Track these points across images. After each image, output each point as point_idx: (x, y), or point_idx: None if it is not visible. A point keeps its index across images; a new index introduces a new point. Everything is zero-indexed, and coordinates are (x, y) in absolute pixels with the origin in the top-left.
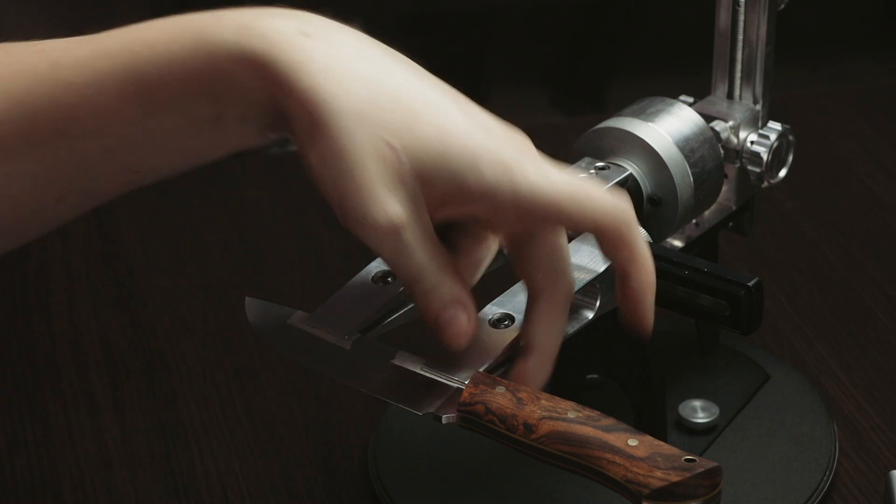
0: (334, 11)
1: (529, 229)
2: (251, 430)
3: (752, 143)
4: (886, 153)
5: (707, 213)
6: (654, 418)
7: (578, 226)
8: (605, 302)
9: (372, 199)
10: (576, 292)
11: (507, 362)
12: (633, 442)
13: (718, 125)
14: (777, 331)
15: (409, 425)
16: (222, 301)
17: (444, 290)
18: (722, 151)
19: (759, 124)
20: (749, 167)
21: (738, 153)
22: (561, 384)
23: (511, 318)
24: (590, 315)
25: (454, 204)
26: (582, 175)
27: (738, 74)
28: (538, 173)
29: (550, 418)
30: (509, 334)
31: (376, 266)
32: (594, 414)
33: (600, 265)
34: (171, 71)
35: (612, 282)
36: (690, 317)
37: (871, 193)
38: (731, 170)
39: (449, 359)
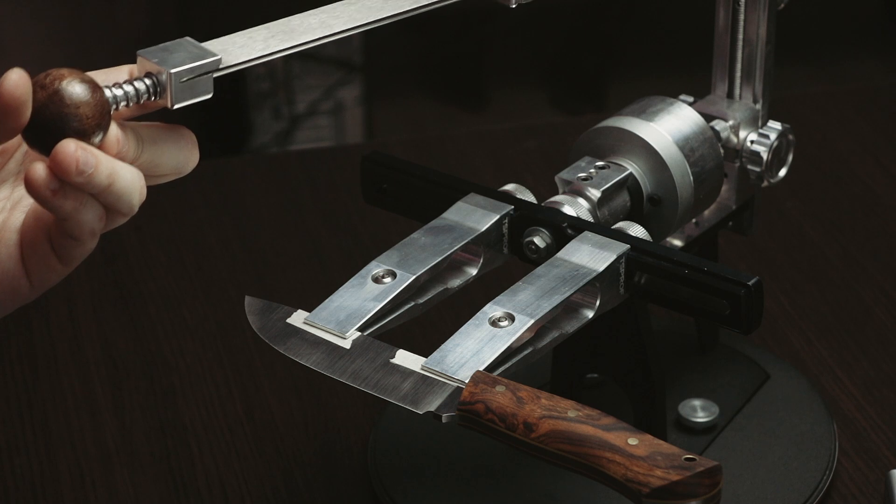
0: None
1: None
2: (251, 430)
3: (752, 142)
4: (886, 153)
5: (707, 212)
6: (653, 417)
7: None
8: (604, 302)
9: None
10: (576, 291)
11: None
12: (633, 441)
13: (718, 124)
14: (777, 331)
15: (409, 425)
16: (222, 301)
17: None
18: (722, 151)
19: (759, 124)
20: (749, 166)
21: (738, 152)
22: (561, 383)
23: (511, 318)
24: (590, 315)
25: None
26: (580, 174)
27: (738, 74)
28: None
29: (550, 417)
30: (509, 334)
31: (376, 266)
32: (594, 413)
33: (600, 265)
34: None
35: (612, 281)
36: (690, 316)
37: (871, 193)
38: (731, 169)
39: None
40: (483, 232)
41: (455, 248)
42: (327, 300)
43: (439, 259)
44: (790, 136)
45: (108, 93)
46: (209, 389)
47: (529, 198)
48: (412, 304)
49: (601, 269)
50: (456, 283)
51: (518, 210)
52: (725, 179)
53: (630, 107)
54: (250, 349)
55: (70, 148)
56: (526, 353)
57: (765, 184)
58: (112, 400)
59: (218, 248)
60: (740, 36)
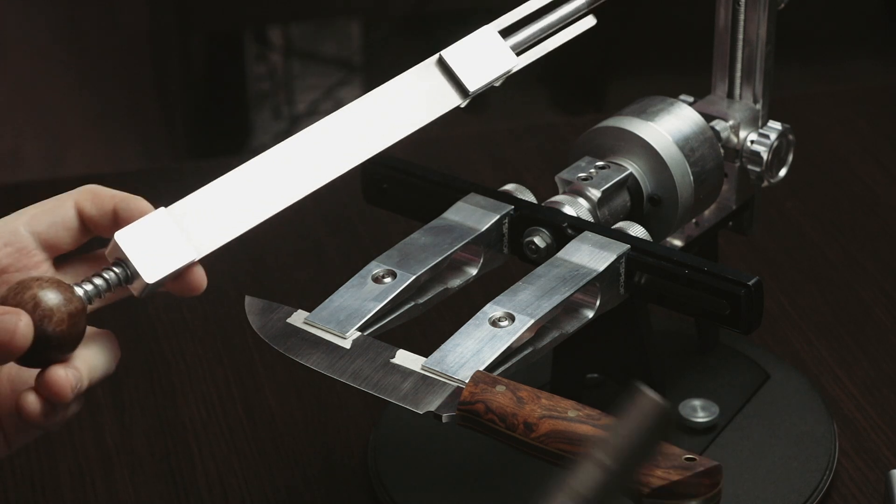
0: (335, 11)
1: None
2: (251, 430)
3: (752, 142)
4: (886, 153)
5: (707, 212)
6: None
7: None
8: (605, 302)
9: None
10: (576, 291)
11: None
12: None
13: (718, 124)
14: (777, 331)
15: (409, 425)
16: (222, 301)
17: None
18: (722, 151)
19: (759, 123)
20: (749, 166)
21: (739, 152)
22: (561, 384)
23: (511, 318)
24: (590, 315)
25: None
26: (580, 174)
27: (738, 74)
28: None
29: (551, 417)
30: (509, 334)
31: (376, 266)
32: (594, 413)
33: (600, 265)
34: None
35: (612, 281)
36: (690, 316)
37: (871, 193)
38: (731, 169)
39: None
40: (483, 232)
41: (455, 248)
42: (327, 300)
43: (439, 259)
44: (790, 136)
45: (80, 292)
46: (209, 389)
47: (529, 198)
48: (412, 304)
49: (601, 269)
50: (456, 283)
51: (518, 210)
52: (725, 179)
53: (630, 107)
54: (250, 349)
55: (61, 376)
56: (526, 353)
57: (765, 184)
58: (112, 400)
59: (218, 248)
60: (740, 36)
